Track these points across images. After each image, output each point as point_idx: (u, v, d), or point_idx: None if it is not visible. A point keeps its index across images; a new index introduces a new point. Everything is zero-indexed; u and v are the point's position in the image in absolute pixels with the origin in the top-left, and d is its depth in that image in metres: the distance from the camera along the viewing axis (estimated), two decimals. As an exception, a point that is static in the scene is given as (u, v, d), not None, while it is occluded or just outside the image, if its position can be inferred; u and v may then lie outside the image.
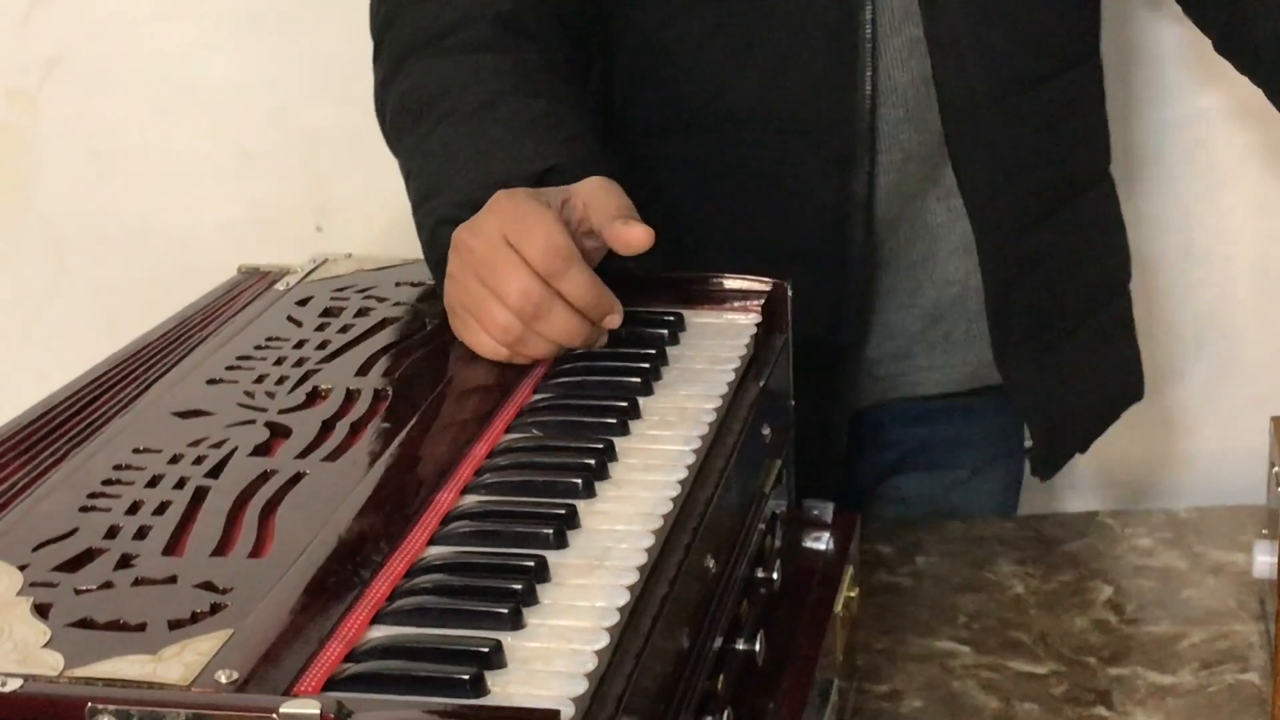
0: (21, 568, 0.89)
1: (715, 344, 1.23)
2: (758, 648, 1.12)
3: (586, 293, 1.16)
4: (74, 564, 0.90)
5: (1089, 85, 1.72)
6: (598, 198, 1.22)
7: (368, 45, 1.49)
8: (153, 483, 1.00)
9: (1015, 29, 1.59)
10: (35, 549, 0.91)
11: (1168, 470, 2.09)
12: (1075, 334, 1.69)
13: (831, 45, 1.54)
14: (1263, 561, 1.06)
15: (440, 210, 1.27)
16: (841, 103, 1.55)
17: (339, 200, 1.93)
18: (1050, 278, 1.66)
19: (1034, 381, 1.65)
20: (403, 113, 1.39)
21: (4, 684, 0.76)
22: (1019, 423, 1.71)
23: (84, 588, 0.87)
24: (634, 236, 1.19)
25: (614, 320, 1.18)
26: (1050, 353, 1.66)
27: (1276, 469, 1.23)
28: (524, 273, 1.15)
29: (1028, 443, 1.68)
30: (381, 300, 1.33)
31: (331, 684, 0.78)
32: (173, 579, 0.88)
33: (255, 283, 1.37)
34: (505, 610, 0.85)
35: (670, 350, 1.21)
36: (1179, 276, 2.07)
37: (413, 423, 1.09)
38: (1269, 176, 2.02)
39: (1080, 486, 2.08)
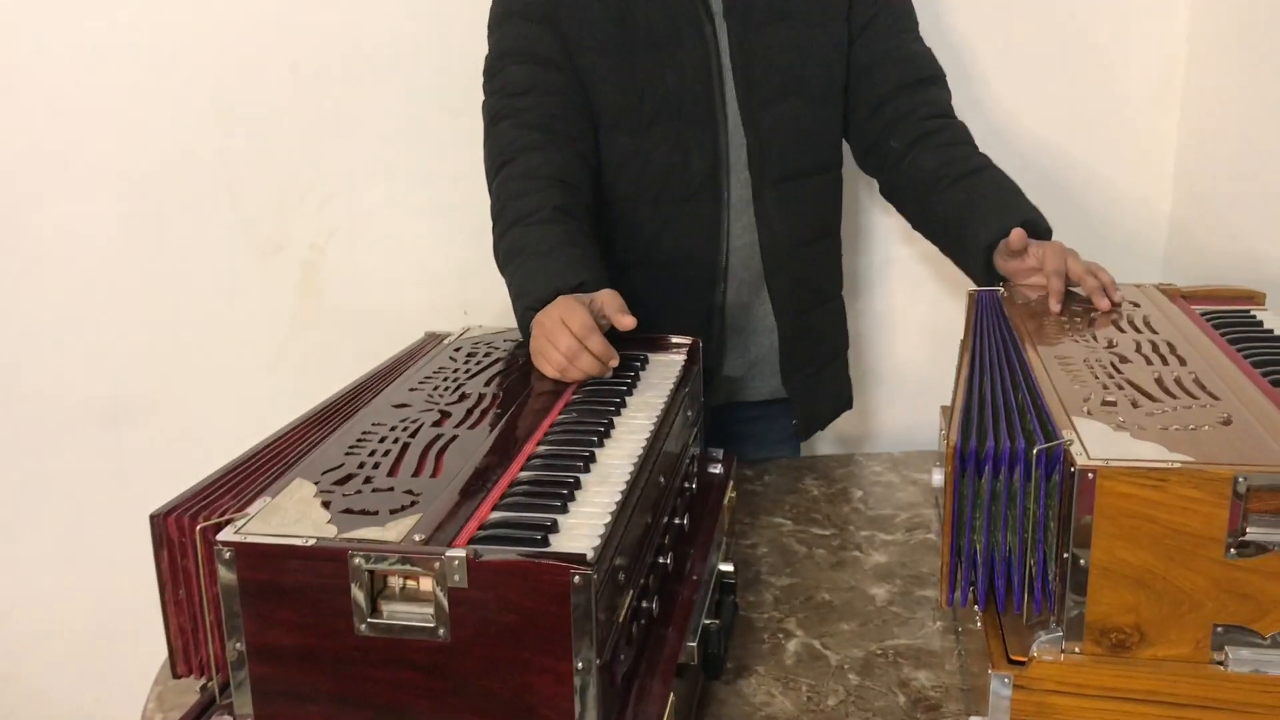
0: (315, 483, 0.93)
1: (664, 370, 1.24)
2: (685, 522, 1.16)
3: (602, 349, 1.19)
4: (341, 481, 0.93)
5: (835, 248, 1.68)
6: (609, 300, 1.25)
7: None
8: (381, 439, 1.03)
9: (808, 214, 1.58)
10: (323, 474, 0.95)
11: (884, 434, 2.07)
12: (822, 372, 1.66)
13: (709, 229, 1.52)
14: (936, 478, 1.07)
15: (525, 303, 1.29)
16: (713, 255, 1.53)
17: (476, 297, 1.89)
18: (812, 342, 1.63)
19: (800, 395, 1.62)
20: (507, 254, 1.37)
21: (307, 542, 0.82)
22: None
23: (347, 493, 0.91)
24: (627, 322, 1.23)
25: (614, 362, 1.20)
26: (810, 381, 1.63)
27: (943, 435, 1.21)
28: (569, 336, 1.19)
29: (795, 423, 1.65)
30: (497, 349, 1.32)
31: (472, 541, 0.83)
32: (391, 489, 0.92)
33: (433, 341, 1.37)
34: (559, 503, 0.89)
35: (642, 373, 1.23)
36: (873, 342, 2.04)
37: (512, 409, 1.11)
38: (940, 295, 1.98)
39: (841, 443, 2.04)
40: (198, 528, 0.86)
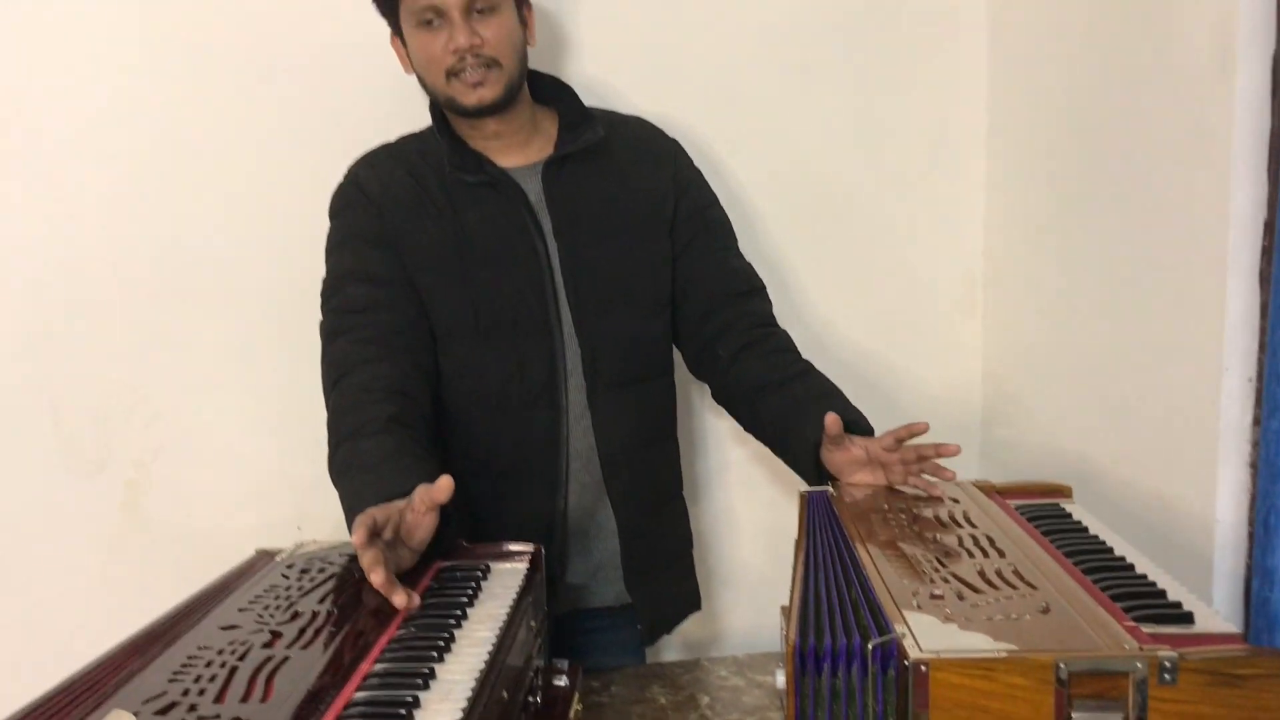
0: (135, 714, 0.88)
1: (506, 579, 1.22)
2: (532, 739, 1.13)
3: (381, 584, 1.11)
4: (164, 710, 0.89)
5: (673, 451, 1.71)
6: (420, 496, 1.19)
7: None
8: (208, 664, 0.98)
9: (643, 418, 1.62)
10: (143, 703, 0.90)
11: (730, 636, 2.06)
12: (666, 574, 1.66)
13: (548, 436, 1.54)
14: (779, 679, 1.04)
15: (354, 515, 1.22)
16: (552, 461, 1.55)
17: (310, 513, 1.83)
18: (653, 543, 1.64)
19: (644, 599, 1.62)
20: (341, 467, 1.36)
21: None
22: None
23: None
24: (440, 493, 1.17)
25: (398, 600, 1.10)
26: (653, 584, 1.63)
27: (783, 635, 1.21)
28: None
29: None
30: (332, 564, 1.27)
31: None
32: (217, 716, 0.87)
33: (264, 558, 1.32)
34: None
35: (483, 583, 1.20)
36: (715, 543, 2.05)
37: (346, 626, 1.07)
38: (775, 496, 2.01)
39: (688, 648, 2.02)
40: (1, 770, 0.80)
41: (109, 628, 1.14)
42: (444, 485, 1.17)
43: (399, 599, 1.10)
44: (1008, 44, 1.89)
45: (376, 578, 1.10)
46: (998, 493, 1.44)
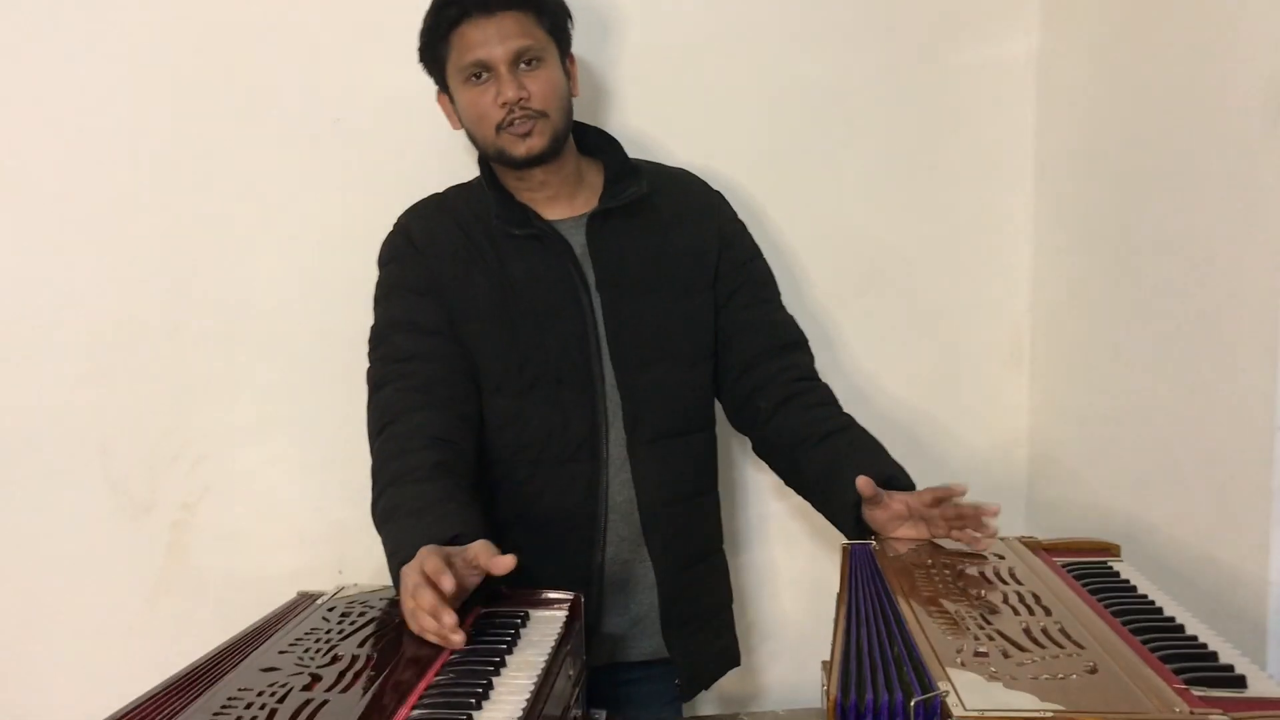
0: None
1: (545, 626, 1.21)
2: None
3: (432, 607, 1.13)
4: None
5: (714, 505, 1.69)
6: (481, 549, 1.21)
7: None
8: (248, 705, 0.98)
9: (683, 471, 1.61)
10: None
11: (770, 691, 2.02)
12: (705, 630, 1.65)
13: (588, 487, 1.54)
14: None
15: (399, 559, 1.25)
16: (591, 513, 1.54)
17: (351, 557, 1.86)
18: (693, 599, 1.62)
19: (683, 654, 1.60)
20: (384, 513, 1.35)
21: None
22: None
23: None
24: (501, 563, 1.18)
25: (448, 618, 1.12)
26: (692, 639, 1.61)
27: (824, 690, 1.17)
28: (418, 578, 1.15)
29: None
30: (372, 608, 1.29)
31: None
32: None
33: (305, 601, 1.33)
34: None
35: (522, 631, 1.20)
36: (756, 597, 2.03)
37: (386, 671, 1.07)
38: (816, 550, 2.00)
39: (726, 702, 1.98)
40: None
41: (152, 667, 1.15)
42: (504, 563, 1.18)
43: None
44: (1055, 97, 1.88)
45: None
46: (1044, 549, 1.41)
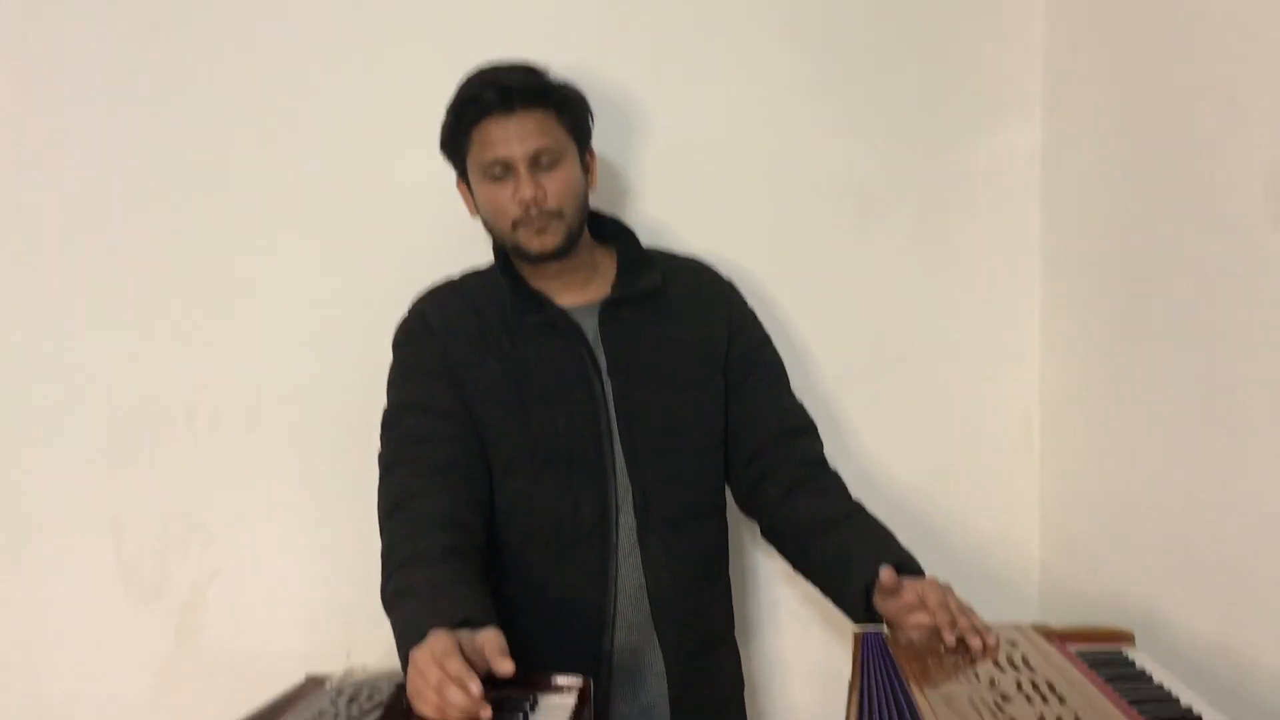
0: None
1: (554, 713, 1.20)
2: None
3: (458, 673, 1.13)
4: None
5: (725, 591, 1.69)
6: (490, 640, 1.21)
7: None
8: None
9: (693, 557, 1.61)
10: None
11: None
12: (714, 718, 1.63)
13: (597, 573, 1.54)
14: None
15: (407, 642, 1.24)
16: (600, 599, 1.54)
17: (360, 640, 1.84)
18: (702, 688, 1.60)
19: None
20: (394, 595, 1.35)
21: None
22: None
23: None
24: (505, 667, 1.18)
25: (474, 688, 1.12)
26: None
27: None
28: (436, 669, 1.15)
29: None
30: (379, 690, 1.27)
31: None
32: None
33: (313, 684, 1.33)
34: None
35: (531, 715, 1.19)
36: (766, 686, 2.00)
37: None
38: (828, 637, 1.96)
39: None
40: None
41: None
42: (507, 668, 1.18)
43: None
44: (1061, 187, 1.90)
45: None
46: (1058, 636, 1.40)
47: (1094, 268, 1.78)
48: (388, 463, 1.53)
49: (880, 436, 1.98)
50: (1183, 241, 1.49)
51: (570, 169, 1.54)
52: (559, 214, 1.53)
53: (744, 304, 1.71)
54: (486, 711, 1.12)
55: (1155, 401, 1.59)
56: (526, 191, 1.50)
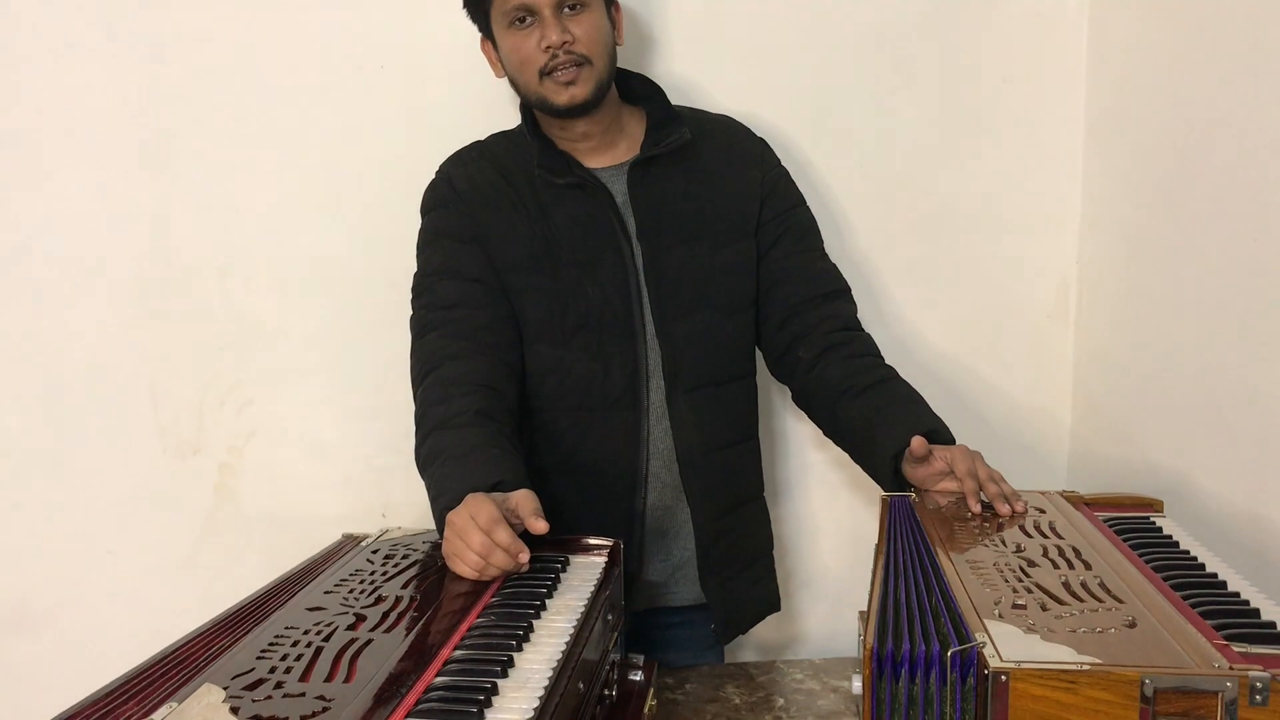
0: (224, 689, 0.90)
1: (585, 572, 1.22)
2: (606, 732, 1.13)
3: (508, 540, 1.17)
4: (251, 686, 0.91)
5: (754, 453, 1.69)
6: (523, 501, 1.24)
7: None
8: (294, 643, 1.00)
9: (722, 420, 1.61)
10: (232, 679, 0.93)
11: (808, 639, 2.04)
12: (742, 576, 1.64)
13: (629, 435, 1.55)
14: (855, 685, 1.03)
15: (442, 504, 1.28)
16: (633, 461, 1.55)
17: (395, 501, 1.88)
18: (729, 545, 1.62)
19: (718, 599, 1.60)
20: (427, 458, 1.37)
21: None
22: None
23: (257, 699, 0.89)
24: (539, 526, 1.22)
25: (524, 556, 1.18)
26: (728, 585, 1.62)
27: (861, 639, 1.20)
28: (479, 533, 1.18)
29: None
30: (415, 550, 1.30)
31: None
32: (302, 694, 0.89)
33: (350, 543, 1.35)
34: (475, 709, 0.87)
35: (562, 575, 1.21)
36: (795, 546, 2.04)
37: (429, 612, 1.09)
38: (854, 501, 2.01)
39: (764, 649, 2.01)
40: (98, 737, 0.82)
41: (201, 604, 1.18)
42: (540, 527, 1.23)
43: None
44: (1107, 47, 1.84)
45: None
46: (1086, 504, 1.41)
47: (1138, 129, 1.74)
48: (419, 327, 1.53)
49: (914, 301, 1.97)
50: (1233, 100, 1.44)
51: (598, 15, 1.50)
52: (587, 60, 1.48)
53: (777, 163, 1.68)
54: (525, 554, 1.17)
55: (1194, 271, 1.56)
56: (553, 35, 1.46)
